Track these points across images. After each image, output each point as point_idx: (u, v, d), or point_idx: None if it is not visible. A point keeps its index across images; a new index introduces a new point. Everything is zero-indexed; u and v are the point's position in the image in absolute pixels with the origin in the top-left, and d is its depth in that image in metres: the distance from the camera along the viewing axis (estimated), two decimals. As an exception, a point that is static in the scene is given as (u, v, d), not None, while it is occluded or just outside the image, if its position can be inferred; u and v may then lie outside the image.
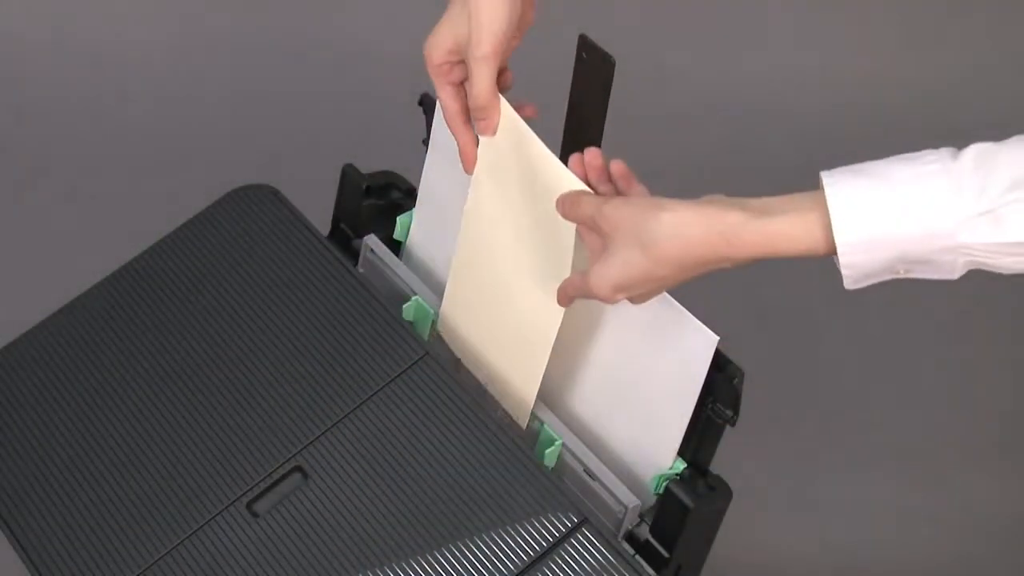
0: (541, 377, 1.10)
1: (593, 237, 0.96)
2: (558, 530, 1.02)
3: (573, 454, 1.11)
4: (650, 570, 1.07)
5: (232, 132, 2.28)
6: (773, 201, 0.89)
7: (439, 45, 1.02)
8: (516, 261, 1.08)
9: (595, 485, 1.10)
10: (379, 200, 1.25)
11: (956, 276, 0.86)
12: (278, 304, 1.18)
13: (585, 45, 1.06)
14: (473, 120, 1.03)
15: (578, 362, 1.12)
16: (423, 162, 1.20)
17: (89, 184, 2.20)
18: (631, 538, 1.10)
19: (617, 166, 0.99)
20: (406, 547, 1.03)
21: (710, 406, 1.07)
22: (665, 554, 1.07)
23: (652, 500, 1.09)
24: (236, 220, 1.24)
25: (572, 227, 0.99)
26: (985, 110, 2.33)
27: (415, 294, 1.20)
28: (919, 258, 0.85)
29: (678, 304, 1.02)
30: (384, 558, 1.02)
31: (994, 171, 0.82)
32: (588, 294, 0.96)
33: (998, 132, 0.87)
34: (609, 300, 0.95)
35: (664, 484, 1.07)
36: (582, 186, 0.98)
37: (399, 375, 1.11)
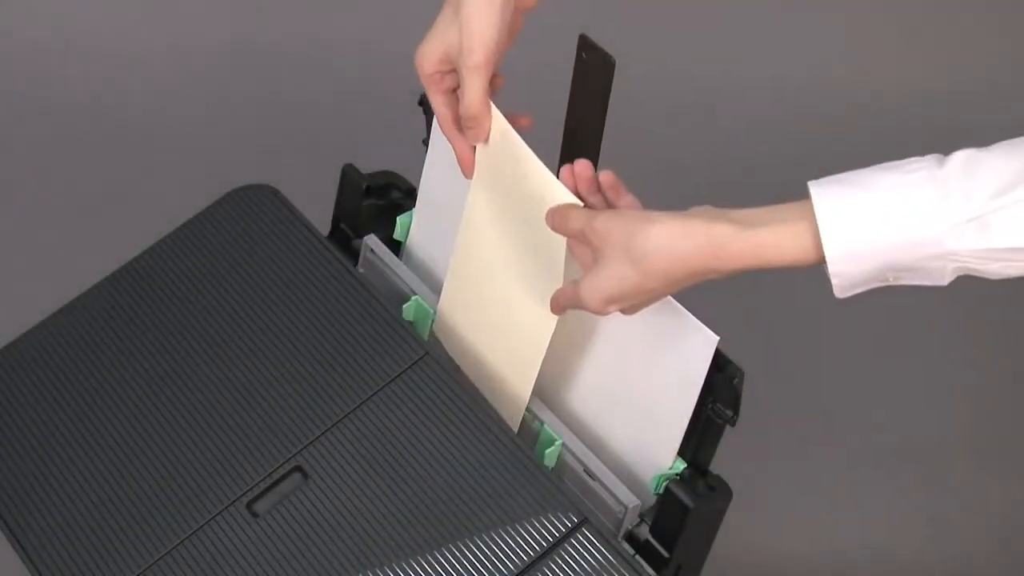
0: (534, 382, 1.11)
1: (583, 250, 0.97)
2: (558, 530, 1.02)
3: (573, 454, 1.11)
4: (650, 570, 1.07)
5: (232, 132, 2.28)
6: (761, 212, 0.90)
7: (430, 54, 1.02)
8: (510, 269, 1.09)
9: (595, 485, 1.10)
10: (379, 200, 1.25)
11: (946, 283, 0.86)
12: (278, 304, 1.18)
13: (585, 45, 1.06)
14: (464, 128, 1.04)
15: (578, 362, 1.12)
16: (423, 162, 1.20)
17: (89, 184, 2.20)
18: (631, 538, 1.10)
19: (606, 177, 0.99)
20: (406, 547, 1.03)
21: (710, 406, 1.07)
22: (665, 554, 1.08)
23: (652, 500, 1.09)
24: (236, 220, 1.24)
25: (563, 239, 1.00)
26: (986, 112, 2.33)
27: (415, 294, 1.21)
28: (908, 266, 0.85)
29: (678, 304, 1.02)
30: (384, 558, 1.02)
31: (980, 177, 0.83)
32: (579, 305, 0.97)
33: (999, 134, 0.87)
34: (601, 312, 0.96)
35: (664, 484, 1.07)
36: (572, 198, 0.99)
37: (399, 375, 1.11)
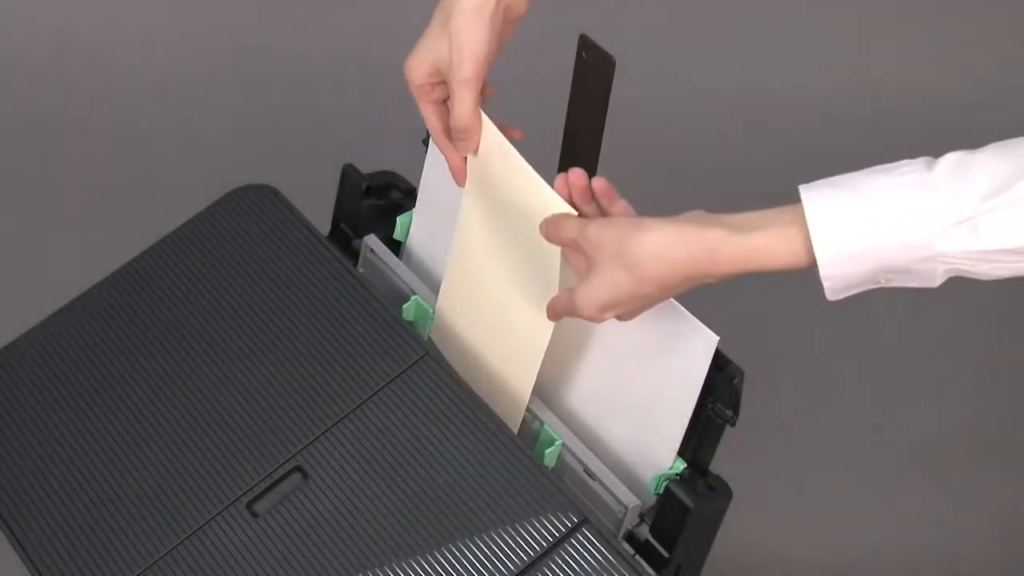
0: (531, 389, 1.11)
1: (577, 258, 0.98)
2: (558, 530, 1.02)
3: (573, 454, 1.11)
4: (650, 570, 1.07)
5: (232, 132, 2.28)
6: (753, 216, 0.90)
7: (419, 66, 1.03)
8: (505, 277, 1.09)
9: (595, 485, 1.10)
10: (379, 200, 1.25)
11: (937, 284, 0.86)
12: (278, 304, 1.18)
13: (585, 45, 1.06)
14: (454, 140, 1.04)
15: (578, 362, 1.12)
16: (423, 162, 1.20)
17: (89, 184, 2.20)
18: (631, 538, 1.10)
19: (599, 184, 1.00)
20: (406, 547, 1.03)
21: (710, 406, 1.07)
22: (665, 554, 1.08)
23: (652, 500, 1.09)
24: (236, 220, 1.24)
25: (557, 248, 1.00)
26: (986, 113, 2.33)
27: (415, 294, 1.21)
28: (899, 268, 0.86)
29: (678, 304, 1.02)
30: (384, 558, 1.02)
31: (970, 179, 0.83)
32: (575, 313, 0.98)
33: (999, 135, 0.87)
34: (596, 319, 0.97)
35: (664, 484, 1.07)
36: (565, 207, 0.99)
37: (399, 375, 1.11)
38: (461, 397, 1.09)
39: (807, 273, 0.91)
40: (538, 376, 1.10)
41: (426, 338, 1.20)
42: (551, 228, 0.99)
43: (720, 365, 1.04)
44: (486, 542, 1.02)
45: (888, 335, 2.03)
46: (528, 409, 1.13)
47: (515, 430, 1.13)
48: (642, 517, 1.09)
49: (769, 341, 1.93)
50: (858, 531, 1.85)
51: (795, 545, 1.83)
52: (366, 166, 1.26)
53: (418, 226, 1.24)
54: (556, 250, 1.01)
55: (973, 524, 1.86)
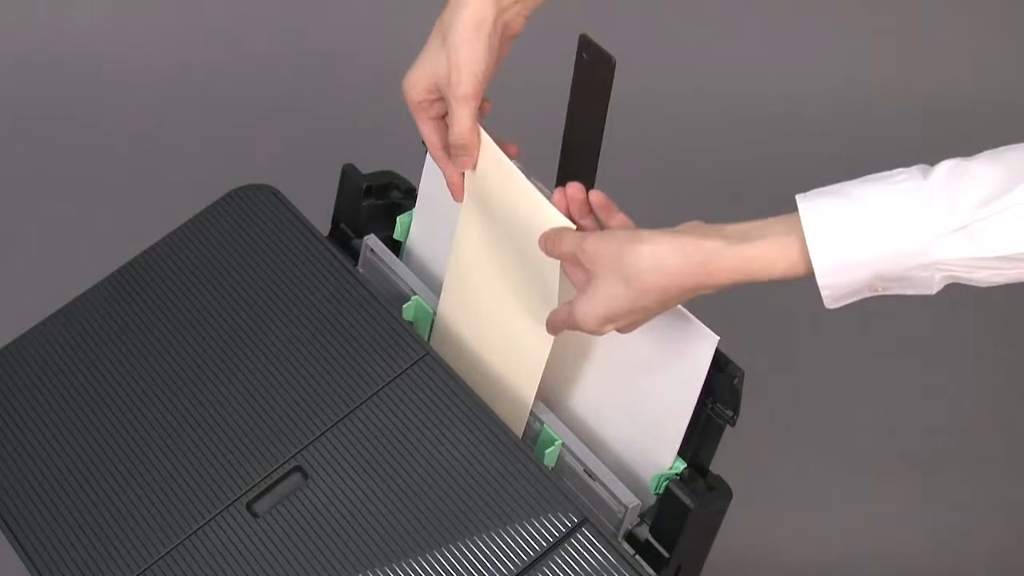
0: (532, 401, 1.11)
1: (577, 271, 0.98)
2: (558, 530, 1.02)
3: (573, 454, 1.11)
4: (650, 570, 1.07)
5: (232, 132, 2.28)
6: (750, 226, 0.91)
7: (417, 83, 1.03)
8: (504, 290, 1.09)
9: (595, 485, 1.10)
10: (379, 200, 1.25)
11: (934, 291, 0.87)
12: (278, 304, 1.18)
13: (585, 45, 1.06)
14: (453, 156, 1.05)
15: (578, 363, 1.12)
16: (423, 162, 1.20)
17: (89, 184, 2.20)
18: (631, 538, 1.10)
19: (597, 197, 1.00)
20: (406, 547, 1.03)
21: (710, 406, 1.07)
22: (665, 554, 1.07)
23: (652, 500, 1.09)
24: (236, 220, 1.24)
25: (556, 262, 1.01)
26: (988, 115, 2.33)
27: (415, 294, 1.20)
28: (896, 276, 0.86)
29: (678, 304, 1.02)
30: (384, 558, 1.02)
31: (965, 187, 0.84)
32: (575, 326, 0.98)
33: (1001, 139, 0.88)
34: (597, 333, 0.98)
35: (664, 484, 1.07)
36: (564, 221, 1.00)
37: (399, 375, 1.11)
38: (461, 397, 1.09)
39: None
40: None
41: (427, 337, 1.20)
42: (550, 242, 0.99)
43: (720, 365, 1.04)
44: (486, 542, 1.02)
45: (888, 335, 2.03)
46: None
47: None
48: (642, 517, 1.09)
49: (769, 341, 1.94)
50: (858, 531, 1.85)
51: (795, 545, 1.83)
52: (366, 166, 1.26)
53: (418, 226, 1.24)
54: (555, 264, 1.01)
55: (973, 524, 1.86)
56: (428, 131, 1.05)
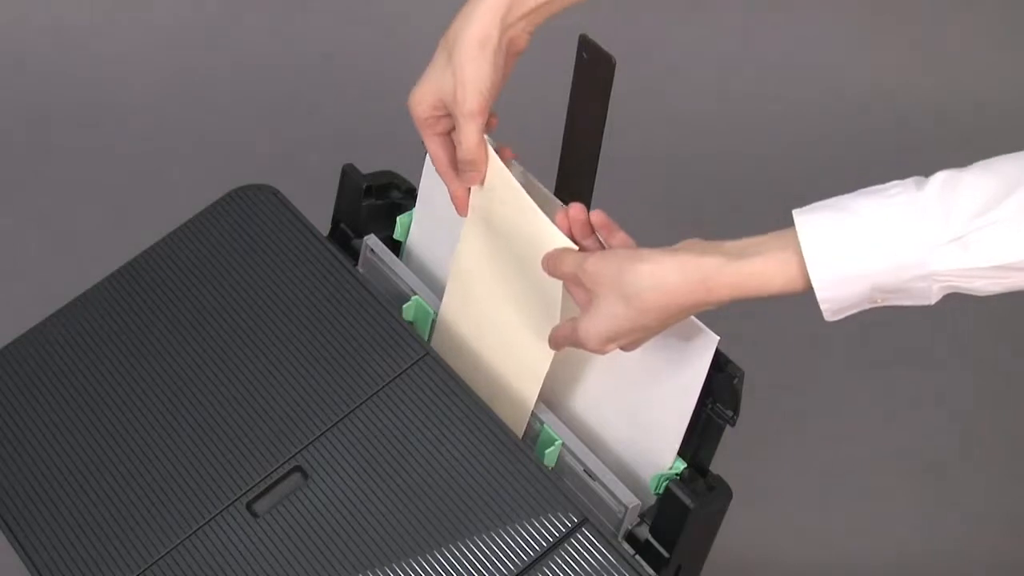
0: (530, 412, 1.11)
1: (579, 291, 0.99)
2: (558, 530, 1.02)
3: (573, 454, 1.11)
4: (650, 570, 1.07)
5: (232, 132, 2.28)
6: (747, 243, 0.91)
7: (423, 100, 1.04)
8: (506, 304, 1.10)
9: (595, 485, 1.10)
10: (379, 200, 1.25)
11: (933, 301, 0.88)
12: (278, 304, 1.18)
13: (585, 45, 1.06)
14: (460, 172, 1.06)
15: (578, 362, 1.12)
16: (423, 162, 1.20)
17: (89, 184, 2.20)
18: (631, 538, 1.10)
19: (597, 217, 1.01)
20: (406, 547, 1.03)
21: (710, 406, 1.07)
22: (665, 554, 1.07)
23: (652, 500, 1.09)
24: (236, 220, 1.24)
25: (559, 281, 1.02)
26: (989, 119, 2.33)
27: (415, 294, 1.21)
28: (894, 288, 0.87)
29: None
30: (384, 558, 1.02)
31: (959, 198, 0.84)
32: (578, 345, 0.99)
33: (1002, 140, 0.88)
34: (600, 351, 0.99)
35: (664, 484, 1.07)
36: (566, 242, 1.01)
37: (399, 375, 1.11)
38: (461, 397, 1.09)
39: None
40: (538, 376, 1.11)
41: (427, 337, 1.20)
42: (551, 263, 1.01)
43: (720, 365, 1.04)
44: (486, 542, 1.02)
45: (889, 335, 2.03)
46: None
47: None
48: (642, 517, 1.09)
49: (769, 341, 1.94)
50: (858, 531, 1.85)
51: (795, 545, 1.83)
52: (366, 166, 1.26)
53: (418, 226, 1.24)
54: (558, 283, 1.02)
55: (972, 524, 1.86)
56: (434, 147, 1.07)
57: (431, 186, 1.20)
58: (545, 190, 1.10)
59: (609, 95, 1.06)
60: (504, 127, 1.07)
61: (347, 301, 1.16)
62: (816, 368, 2.00)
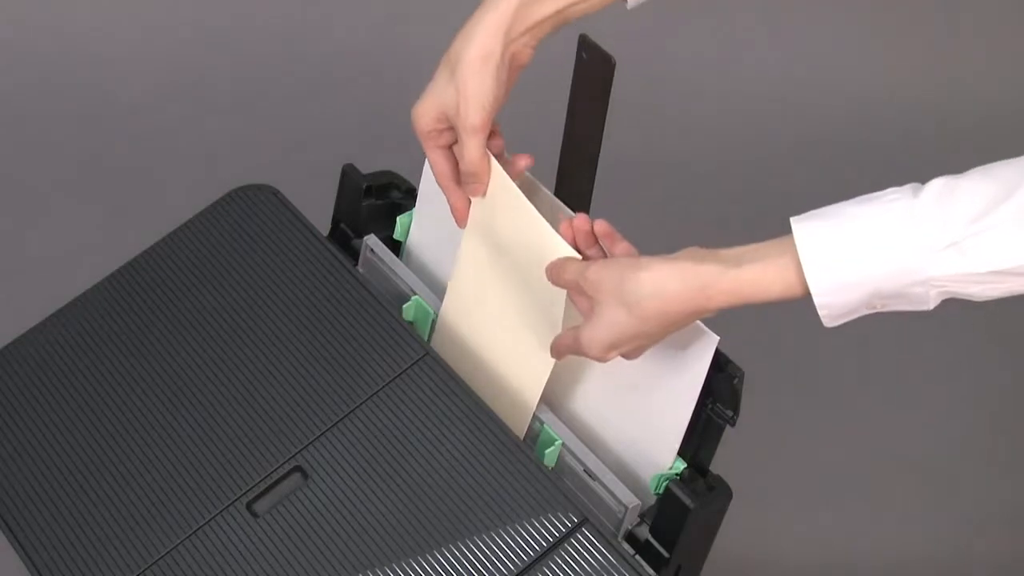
0: (529, 421, 1.11)
1: (581, 299, 1.00)
2: (558, 530, 1.02)
3: (573, 454, 1.11)
4: (650, 570, 1.07)
5: (232, 132, 2.28)
6: (747, 250, 0.92)
7: (426, 113, 1.05)
8: (506, 315, 1.11)
9: (595, 485, 1.10)
10: (379, 200, 1.25)
11: (931, 307, 0.89)
12: (278, 304, 1.18)
13: (585, 45, 1.06)
14: (463, 183, 1.07)
15: (579, 363, 1.12)
16: (423, 162, 1.20)
17: (89, 184, 2.20)
18: (631, 538, 1.10)
19: (600, 226, 1.02)
20: (406, 547, 1.03)
21: (710, 406, 1.07)
22: (665, 554, 1.07)
23: (652, 500, 1.09)
24: (236, 220, 1.24)
25: (563, 290, 1.02)
26: (991, 122, 2.33)
27: (415, 294, 1.21)
28: (892, 293, 0.88)
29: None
30: (384, 558, 1.02)
31: (955, 204, 0.85)
32: (580, 353, 1.00)
33: (1003, 142, 0.88)
34: (602, 359, 1.00)
35: (664, 484, 1.07)
36: (569, 251, 1.02)
37: (399, 375, 1.11)
38: (461, 397, 1.09)
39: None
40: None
41: (427, 337, 1.20)
42: (554, 271, 1.02)
43: (720, 365, 1.04)
44: (486, 542, 1.02)
45: (888, 335, 2.03)
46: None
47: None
48: (642, 517, 1.09)
49: (769, 341, 1.94)
50: (858, 531, 1.85)
51: (795, 545, 1.83)
52: (366, 166, 1.26)
53: (418, 226, 1.24)
54: (561, 293, 1.03)
55: (972, 524, 1.86)
56: (436, 160, 1.08)
57: (431, 186, 1.20)
58: (553, 197, 1.10)
59: (609, 95, 1.06)
60: (504, 127, 1.07)
61: (347, 301, 1.16)
62: (816, 368, 2.00)
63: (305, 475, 1.08)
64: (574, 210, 1.09)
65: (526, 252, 1.05)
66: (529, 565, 1.01)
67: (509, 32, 1.01)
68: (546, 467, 1.07)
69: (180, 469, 1.09)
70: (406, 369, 1.12)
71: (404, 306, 1.20)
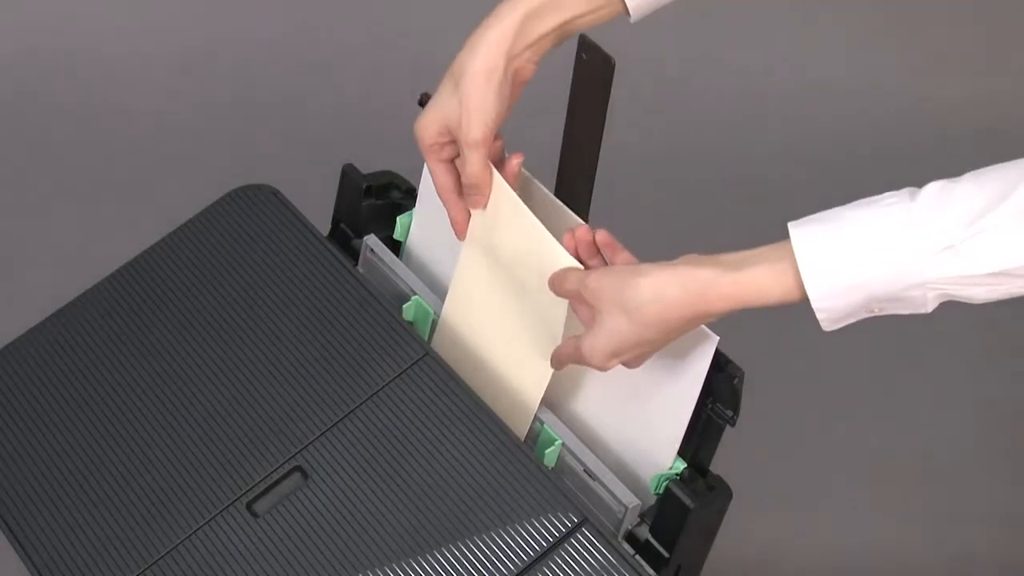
0: (529, 424, 1.12)
1: (583, 308, 1.01)
2: (558, 530, 1.02)
3: (573, 454, 1.11)
4: (650, 570, 1.07)
5: (232, 132, 2.28)
6: (745, 255, 0.93)
7: (429, 126, 1.06)
8: (506, 325, 1.11)
9: (595, 485, 1.10)
10: (379, 200, 1.25)
11: (929, 310, 0.89)
12: (278, 304, 1.18)
13: (585, 45, 1.06)
14: (465, 195, 1.08)
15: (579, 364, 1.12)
16: (423, 162, 1.20)
17: (89, 184, 2.20)
18: (631, 538, 1.10)
19: (602, 236, 1.03)
20: (406, 547, 1.03)
21: (710, 406, 1.07)
22: (665, 554, 1.07)
23: (652, 500, 1.09)
24: (236, 220, 1.24)
25: (564, 300, 1.03)
26: (991, 123, 2.33)
27: (415, 294, 1.21)
28: (890, 297, 0.88)
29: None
30: (384, 558, 1.02)
31: (951, 207, 0.86)
32: (582, 361, 1.01)
33: (1000, 143, 0.88)
34: (604, 368, 1.00)
35: (664, 484, 1.07)
36: (571, 261, 1.02)
37: (399, 375, 1.11)
38: (461, 397, 1.09)
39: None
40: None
41: (427, 337, 1.20)
42: (556, 282, 1.02)
43: (720, 365, 1.04)
44: (486, 542, 1.02)
45: (888, 335, 2.03)
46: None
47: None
48: (642, 517, 1.09)
49: (769, 341, 1.94)
50: (858, 531, 1.85)
51: (795, 545, 1.83)
52: (366, 166, 1.26)
53: (418, 226, 1.24)
54: (562, 303, 1.03)
55: (972, 524, 1.86)
56: (438, 172, 1.08)
57: (431, 186, 1.20)
58: (551, 196, 1.10)
59: (609, 96, 1.06)
60: (505, 127, 1.07)
61: (347, 301, 1.16)
62: (816, 368, 2.00)
63: (305, 475, 1.08)
64: (574, 210, 1.09)
65: (528, 262, 1.06)
66: (529, 565, 1.01)
67: (511, 49, 1.02)
68: (546, 467, 1.07)
69: (180, 469, 1.09)
70: (406, 369, 1.12)
71: (404, 306, 1.20)
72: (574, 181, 1.15)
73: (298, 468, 1.08)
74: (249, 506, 1.07)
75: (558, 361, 1.05)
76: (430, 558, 1.02)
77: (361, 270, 1.24)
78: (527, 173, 1.11)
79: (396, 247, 1.26)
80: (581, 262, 1.03)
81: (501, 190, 1.06)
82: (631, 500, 1.08)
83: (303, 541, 1.04)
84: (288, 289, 1.18)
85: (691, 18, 2.38)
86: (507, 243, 1.08)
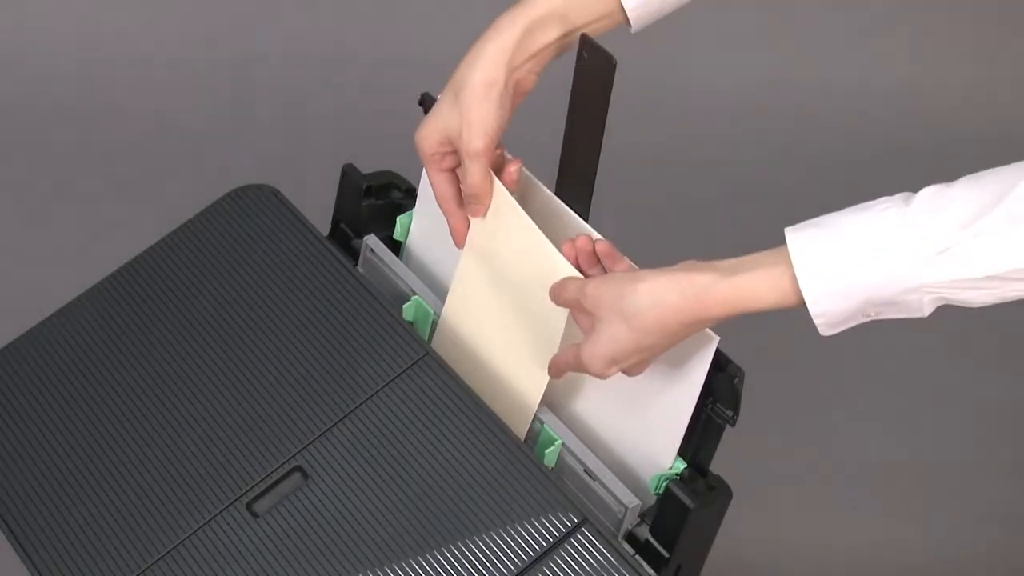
0: (528, 424, 1.12)
1: (582, 316, 1.01)
2: (558, 530, 1.02)
3: (573, 454, 1.11)
4: (650, 570, 1.07)
5: (232, 132, 2.28)
6: (742, 260, 0.94)
7: (430, 136, 1.07)
8: (504, 333, 1.11)
9: (595, 485, 1.10)
10: (379, 200, 1.25)
11: (926, 314, 0.90)
12: (278, 304, 1.18)
13: (586, 45, 1.06)
14: (466, 204, 1.08)
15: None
16: (423, 162, 1.20)
17: (89, 184, 2.20)
18: (631, 538, 1.10)
19: (602, 246, 1.04)
20: (406, 547, 1.03)
21: (710, 406, 1.07)
22: (665, 554, 1.07)
23: (652, 500, 1.09)
24: (236, 220, 1.24)
25: (564, 310, 1.04)
26: (992, 124, 2.33)
27: (415, 294, 1.21)
28: (886, 301, 0.89)
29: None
30: (384, 558, 1.02)
31: (946, 211, 0.86)
32: (581, 369, 1.01)
33: (1000, 143, 0.89)
34: (603, 375, 1.00)
35: (664, 484, 1.07)
36: (570, 271, 1.03)
37: (399, 375, 1.11)
38: (461, 397, 1.09)
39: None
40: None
41: (427, 337, 1.20)
42: (555, 291, 1.03)
43: (720, 365, 1.04)
44: (486, 542, 1.02)
45: (888, 335, 2.03)
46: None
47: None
48: (642, 517, 1.09)
49: (769, 341, 1.94)
50: (858, 531, 1.85)
51: (795, 545, 1.83)
52: (366, 166, 1.26)
53: (418, 226, 1.24)
54: (561, 312, 1.04)
55: (971, 525, 1.86)
56: (438, 182, 1.09)
57: (431, 187, 1.20)
58: (551, 196, 1.10)
59: (610, 95, 1.06)
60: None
61: (347, 301, 1.16)
62: (816, 368, 2.00)
63: (305, 475, 1.08)
64: (574, 211, 1.09)
65: (527, 271, 1.07)
66: (529, 565, 1.01)
67: (512, 60, 1.03)
68: (546, 467, 1.07)
69: (180, 469, 1.09)
70: (406, 369, 1.12)
71: (404, 306, 1.20)
72: (574, 181, 1.15)
73: (298, 468, 1.08)
74: (249, 506, 1.07)
75: (557, 369, 1.06)
76: (430, 558, 1.02)
77: (361, 270, 1.24)
78: (527, 173, 1.11)
79: (396, 247, 1.26)
80: (581, 272, 1.03)
81: (502, 198, 1.07)
82: (631, 500, 1.08)
83: (303, 541, 1.04)
84: (288, 289, 1.18)
85: (691, 20, 2.39)
86: (507, 251, 1.08)
